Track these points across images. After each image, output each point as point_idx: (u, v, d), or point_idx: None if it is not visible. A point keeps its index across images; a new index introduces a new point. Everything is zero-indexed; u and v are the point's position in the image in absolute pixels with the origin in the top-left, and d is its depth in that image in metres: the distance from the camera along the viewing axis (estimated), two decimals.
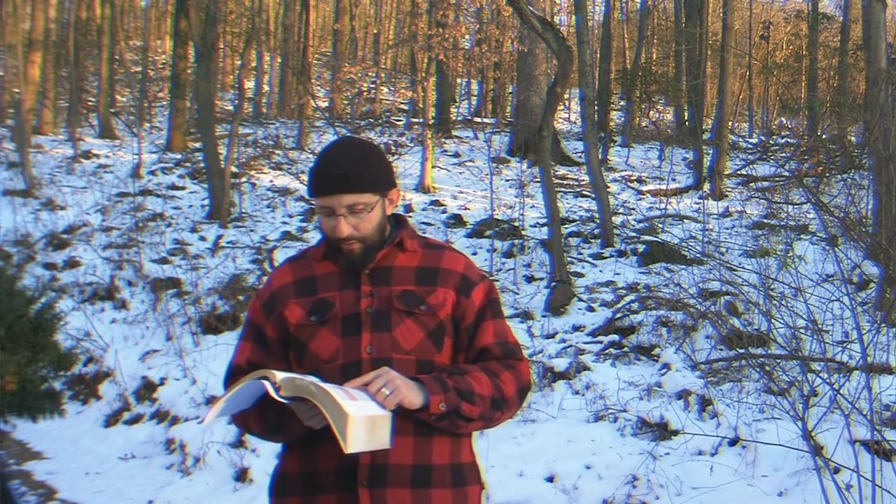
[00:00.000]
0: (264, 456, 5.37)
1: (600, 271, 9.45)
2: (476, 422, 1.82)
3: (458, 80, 28.25)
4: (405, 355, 1.82)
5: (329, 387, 1.64)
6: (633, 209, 12.99)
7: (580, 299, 8.30)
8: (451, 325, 1.89)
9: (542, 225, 11.30)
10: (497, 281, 9.23)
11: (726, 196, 13.80)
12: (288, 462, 1.89)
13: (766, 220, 11.13)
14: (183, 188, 14.66)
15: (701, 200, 12.72)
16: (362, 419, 1.62)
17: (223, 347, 7.41)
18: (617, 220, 11.59)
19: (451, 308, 1.88)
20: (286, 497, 1.86)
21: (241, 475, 5.24)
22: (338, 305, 1.87)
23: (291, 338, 1.90)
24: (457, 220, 12.42)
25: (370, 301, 1.86)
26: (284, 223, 12.46)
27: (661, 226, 11.36)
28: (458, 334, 1.90)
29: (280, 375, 1.67)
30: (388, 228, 1.95)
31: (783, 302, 6.85)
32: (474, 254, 10.35)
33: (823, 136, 16.45)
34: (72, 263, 10.38)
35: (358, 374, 1.76)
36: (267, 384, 1.65)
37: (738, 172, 16.16)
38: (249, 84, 26.59)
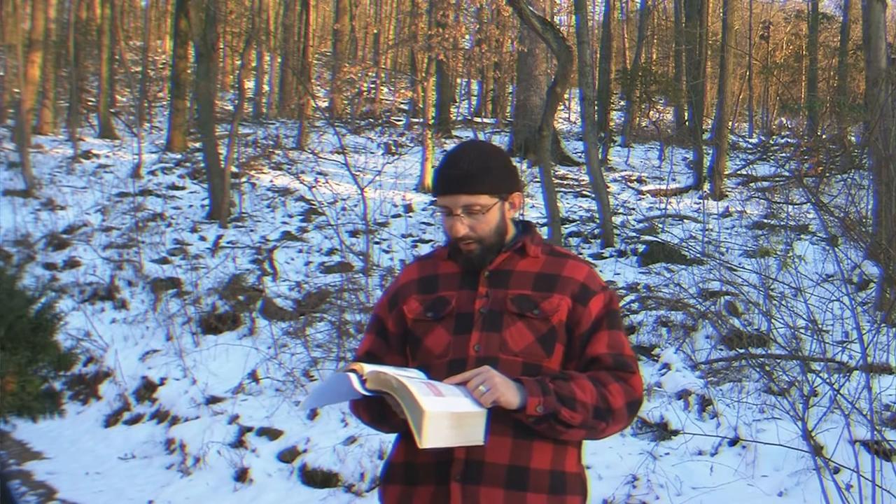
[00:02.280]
0: (264, 456, 5.37)
1: (600, 271, 9.44)
2: (577, 429, 1.80)
3: (458, 80, 28.26)
4: (512, 357, 1.84)
5: (411, 382, 1.66)
6: (633, 209, 12.98)
7: None
8: (564, 332, 1.89)
9: (542, 225, 11.29)
10: None
11: (726, 196, 13.80)
12: (397, 451, 1.94)
13: (766, 220, 11.12)
14: (183, 188, 14.65)
15: (701, 200, 12.72)
16: (443, 415, 1.63)
17: (223, 347, 7.42)
18: (617, 220, 11.58)
19: (565, 315, 1.88)
20: (389, 484, 1.92)
21: (241, 475, 5.24)
22: (453, 303, 1.92)
23: (409, 332, 1.95)
24: None
25: (485, 302, 1.90)
26: (284, 223, 12.46)
27: (661, 226, 11.35)
28: (572, 342, 1.89)
29: (367, 369, 1.70)
30: (510, 232, 1.98)
31: (783, 302, 6.84)
32: None
33: (823, 136, 16.44)
34: (72, 263, 10.38)
35: (463, 371, 1.79)
36: (353, 377, 1.68)
37: (738, 172, 16.15)
38: (249, 84, 26.58)
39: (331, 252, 10.74)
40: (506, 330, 1.86)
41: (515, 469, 1.79)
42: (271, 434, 5.60)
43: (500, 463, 1.78)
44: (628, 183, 15.65)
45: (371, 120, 21.64)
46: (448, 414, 1.64)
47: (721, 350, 6.46)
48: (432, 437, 1.61)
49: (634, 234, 10.83)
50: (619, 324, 1.95)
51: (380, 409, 1.84)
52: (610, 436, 1.90)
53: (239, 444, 5.55)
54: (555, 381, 1.79)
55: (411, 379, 1.69)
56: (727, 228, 11.11)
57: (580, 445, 1.93)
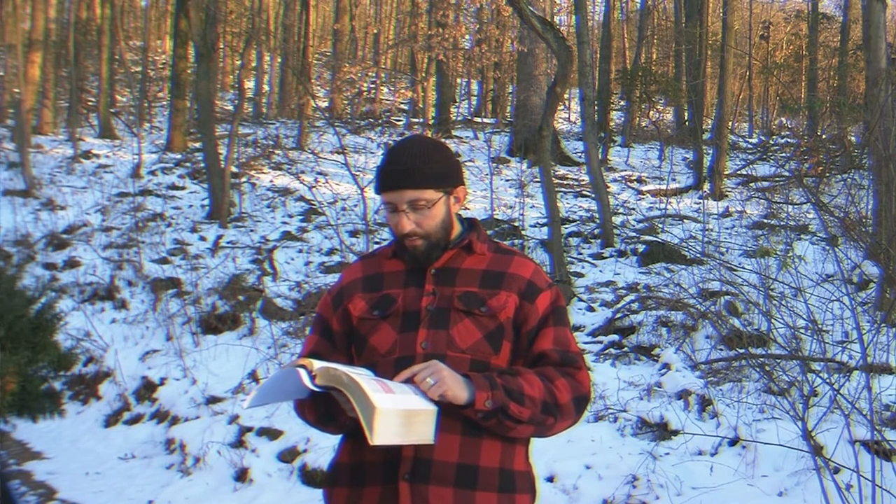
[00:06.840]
0: (264, 456, 5.38)
1: (600, 271, 9.45)
2: (526, 425, 1.79)
3: (458, 80, 28.25)
4: (460, 353, 1.83)
5: (362, 378, 1.63)
6: (633, 209, 12.99)
7: (580, 299, 8.31)
8: (511, 329, 1.88)
9: (542, 225, 11.29)
10: None
11: (726, 196, 13.80)
12: (342, 452, 1.92)
13: (766, 220, 11.13)
14: (183, 188, 14.65)
15: (701, 200, 12.72)
16: (393, 412, 1.61)
17: (223, 347, 7.42)
18: (617, 220, 11.59)
19: (512, 312, 1.88)
20: (336, 487, 1.89)
21: (241, 475, 5.24)
22: (400, 302, 1.90)
23: (354, 331, 1.93)
24: None
25: (431, 299, 1.88)
26: (284, 223, 12.45)
27: (661, 226, 11.36)
28: (519, 339, 1.89)
29: (317, 364, 1.67)
30: (456, 228, 1.97)
31: (783, 302, 6.85)
32: None
33: (823, 136, 16.44)
34: (72, 263, 10.38)
35: None
36: (302, 372, 1.65)
37: (738, 172, 16.16)
38: (249, 84, 26.58)
39: (331, 252, 10.74)
40: (453, 327, 1.84)
41: (464, 467, 1.77)
42: (271, 434, 5.60)
43: (449, 461, 1.77)
44: (628, 183, 15.65)
45: (371, 120, 21.63)
46: (398, 411, 1.62)
47: (721, 350, 6.46)
48: (382, 433, 1.59)
49: (634, 234, 10.84)
50: (566, 320, 1.95)
51: (327, 409, 1.81)
52: (558, 433, 1.87)
53: (239, 444, 5.55)
54: (502, 376, 1.78)
55: (361, 375, 1.66)
56: (727, 228, 11.12)
57: (528, 444, 1.92)
